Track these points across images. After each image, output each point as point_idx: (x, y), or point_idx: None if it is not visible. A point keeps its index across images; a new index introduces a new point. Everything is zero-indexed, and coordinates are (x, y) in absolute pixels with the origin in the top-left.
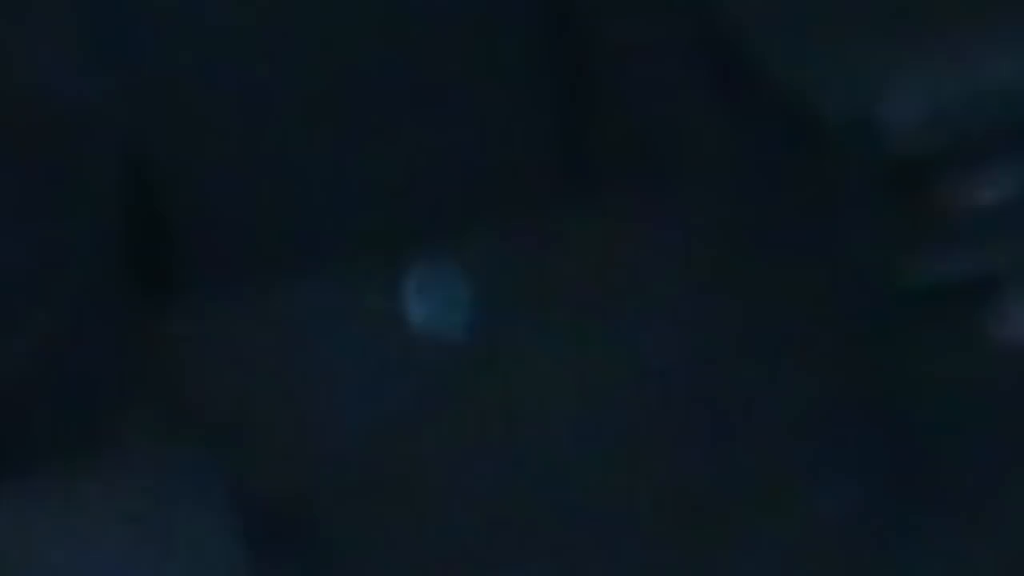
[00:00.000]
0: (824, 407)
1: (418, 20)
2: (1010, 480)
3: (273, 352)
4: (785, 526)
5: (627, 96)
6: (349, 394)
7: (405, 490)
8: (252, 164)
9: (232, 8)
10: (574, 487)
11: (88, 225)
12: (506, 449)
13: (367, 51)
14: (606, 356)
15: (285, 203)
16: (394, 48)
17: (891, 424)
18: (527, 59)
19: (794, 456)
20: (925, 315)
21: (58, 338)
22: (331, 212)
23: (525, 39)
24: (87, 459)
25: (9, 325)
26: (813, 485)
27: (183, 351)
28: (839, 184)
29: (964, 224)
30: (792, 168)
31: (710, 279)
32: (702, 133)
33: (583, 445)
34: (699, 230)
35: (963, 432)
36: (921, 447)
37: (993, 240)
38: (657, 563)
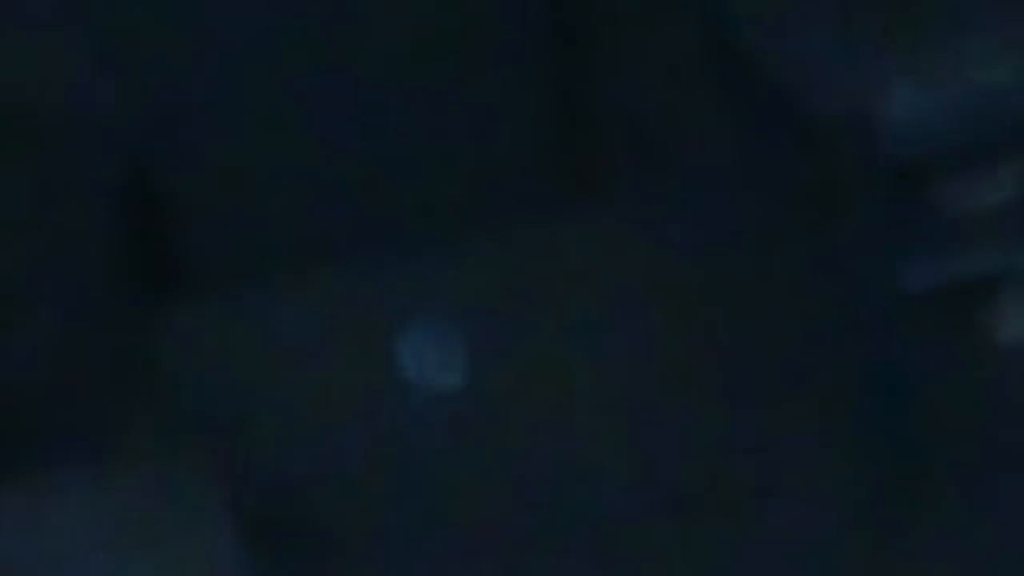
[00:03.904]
0: (824, 407)
1: (418, 23)
2: (1010, 480)
3: (272, 353)
4: (786, 526)
5: (628, 98)
6: (348, 394)
7: (404, 490)
8: (252, 167)
9: (232, 11)
10: (574, 487)
11: (88, 228)
12: (505, 447)
13: (368, 55)
14: (605, 358)
15: (284, 207)
16: (394, 51)
17: (891, 424)
18: (526, 62)
19: (795, 456)
20: (925, 315)
21: (58, 340)
22: (330, 215)
23: (525, 41)
24: (87, 460)
25: (9, 327)
26: (814, 485)
27: (182, 353)
28: (839, 184)
29: (964, 224)
30: (792, 168)
31: (711, 279)
32: (702, 134)
33: (583, 445)
34: (699, 230)
35: (963, 432)
36: (921, 447)
37: (993, 240)
38: (655, 564)
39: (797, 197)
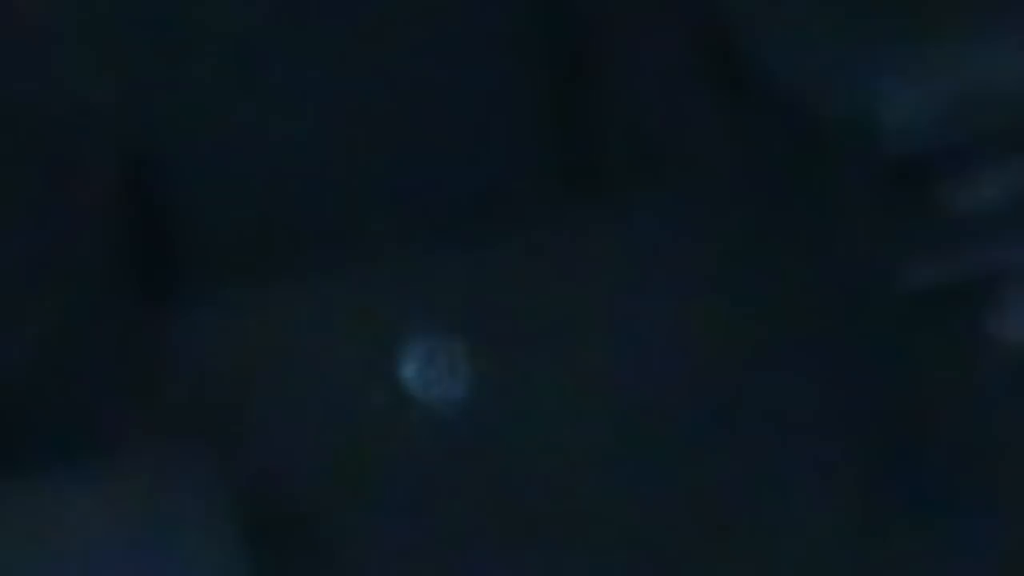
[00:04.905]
0: (823, 407)
1: (416, 24)
2: (1010, 481)
3: (273, 353)
4: (782, 527)
5: (627, 99)
6: (349, 395)
7: (406, 490)
8: (252, 166)
9: (234, 10)
10: (575, 488)
11: (87, 225)
12: (506, 448)
13: (366, 55)
14: (603, 359)
15: (285, 205)
16: (391, 51)
17: (890, 425)
18: (524, 64)
19: (792, 457)
20: (925, 315)
21: (56, 339)
22: (331, 214)
23: (523, 42)
24: (85, 460)
25: (7, 326)
26: (811, 486)
27: (182, 352)
28: (839, 184)
29: (964, 224)
30: (792, 168)
31: (709, 281)
32: (701, 134)
33: (582, 447)
34: (698, 232)
35: (963, 432)
36: (920, 448)
37: (993, 240)
38: (651, 557)
39: (797, 197)
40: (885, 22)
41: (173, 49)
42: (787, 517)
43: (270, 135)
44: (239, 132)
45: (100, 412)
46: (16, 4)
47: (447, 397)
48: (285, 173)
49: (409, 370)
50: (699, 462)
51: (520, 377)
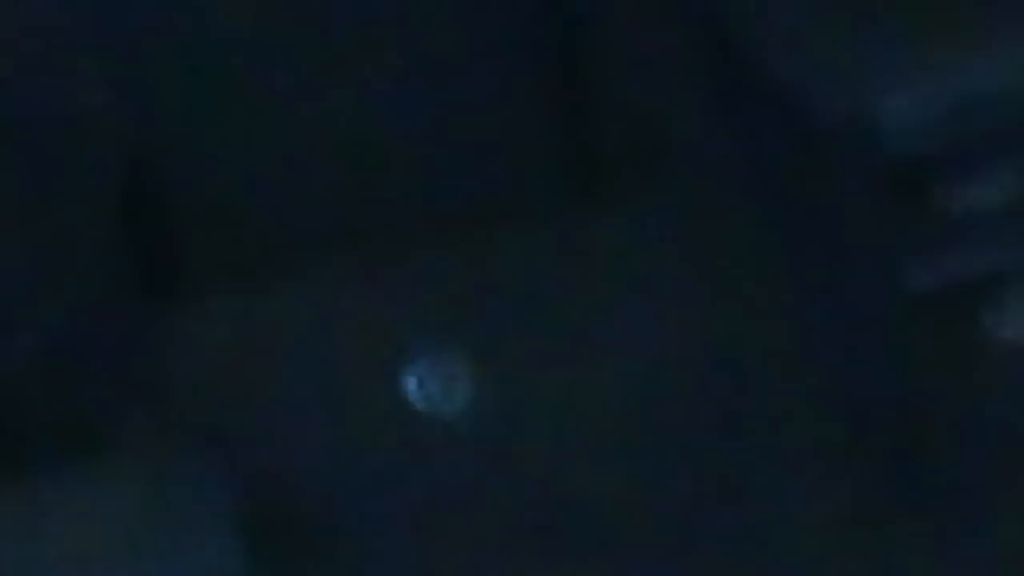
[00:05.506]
0: (823, 407)
1: (421, 26)
2: (1010, 481)
3: (272, 353)
4: (782, 525)
5: (627, 99)
6: (350, 396)
7: (406, 491)
8: (253, 166)
9: (234, 11)
10: (571, 486)
11: (89, 226)
12: (507, 450)
13: (370, 56)
14: (604, 362)
15: (285, 205)
16: (396, 52)
17: (890, 424)
18: (526, 64)
19: (792, 456)
20: (925, 315)
21: (58, 339)
22: (332, 214)
23: (525, 44)
24: (86, 460)
25: (9, 326)
26: (811, 485)
27: (182, 352)
28: (839, 184)
29: (964, 224)
30: (792, 168)
31: (710, 281)
32: (702, 135)
33: (582, 447)
34: (699, 233)
35: (963, 432)
36: (920, 447)
37: (993, 240)
38: (652, 561)
39: (797, 198)
40: (885, 23)
41: (174, 52)
42: (786, 516)
43: (271, 137)
44: (239, 134)
45: (100, 412)
46: (19, 9)
47: (448, 398)
48: (285, 174)
49: (410, 372)
50: (699, 463)
51: (521, 379)
